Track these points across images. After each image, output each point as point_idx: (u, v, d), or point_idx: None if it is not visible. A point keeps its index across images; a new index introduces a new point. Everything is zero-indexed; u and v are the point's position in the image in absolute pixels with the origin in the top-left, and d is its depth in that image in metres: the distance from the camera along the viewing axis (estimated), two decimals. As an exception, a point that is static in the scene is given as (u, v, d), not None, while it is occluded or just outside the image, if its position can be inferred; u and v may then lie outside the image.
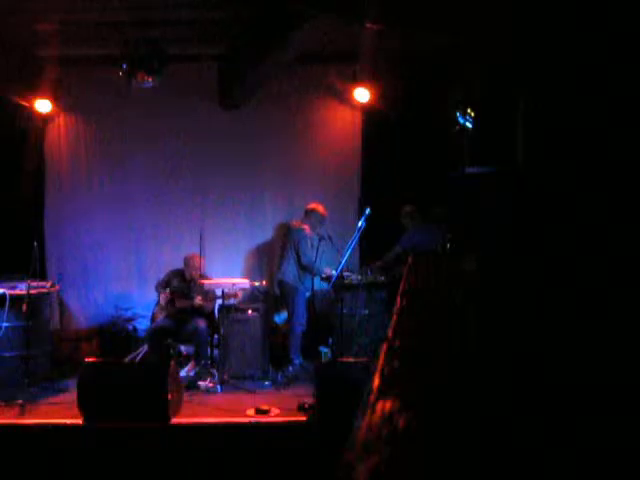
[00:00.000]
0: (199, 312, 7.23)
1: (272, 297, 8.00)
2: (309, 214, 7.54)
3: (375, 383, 0.99)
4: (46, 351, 7.02)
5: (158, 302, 7.37)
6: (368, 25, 5.39)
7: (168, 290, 7.25)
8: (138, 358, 7.34)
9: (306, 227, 7.46)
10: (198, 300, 7.13)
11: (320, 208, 7.53)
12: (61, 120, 8.19)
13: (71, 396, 5.71)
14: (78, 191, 8.21)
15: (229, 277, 7.46)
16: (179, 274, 7.41)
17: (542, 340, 1.34)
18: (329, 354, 7.07)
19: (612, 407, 0.95)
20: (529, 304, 1.64)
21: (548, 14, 3.45)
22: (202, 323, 7.08)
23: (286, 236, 7.69)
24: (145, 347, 7.32)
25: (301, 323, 7.43)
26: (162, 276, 7.47)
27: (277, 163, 8.26)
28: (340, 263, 6.84)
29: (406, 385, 1.03)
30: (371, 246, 7.67)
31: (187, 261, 7.37)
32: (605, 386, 1.05)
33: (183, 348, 7.34)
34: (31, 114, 7.90)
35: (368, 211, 6.77)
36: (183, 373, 6.77)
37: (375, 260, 7.54)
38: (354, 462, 0.76)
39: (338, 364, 6.11)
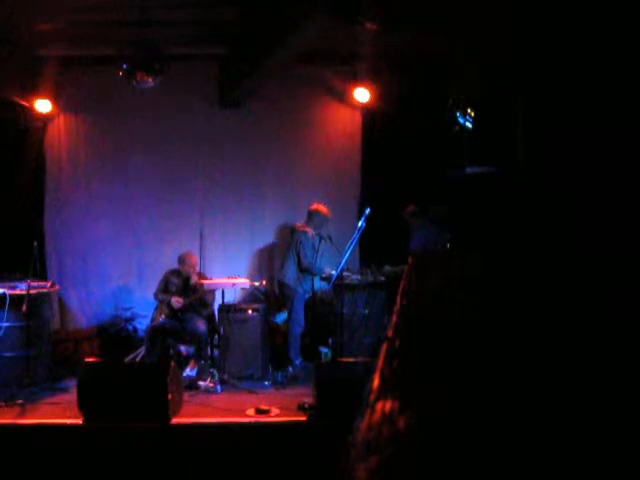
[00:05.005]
0: (199, 310, 7.21)
1: (272, 297, 7.99)
2: (312, 215, 7.52)
3: (375, 383, 0.99)
4: (46, 351, 7.02)
5: (158, 306, 7.33)
6: (368, 25, 5.39)
7: (175, 295, 7.21)
8: (138, 358, 7.33)
9: (309, 230, 7.45)
10: (195, 279, 7.09)
11: (323, 208, 7.52)
12: (61, 120, 8.18)
13: (71, 396, 5.72)
14: (78, 191, 8.20)
15: (229, 277, 7.45)
16: (176, 272, 7.39)
17: (544, 340, 1.35)
18: (329, 354, 7.07)
19: (612, 406, 0.96)
20: (530, 304, 1.64)
21: (548, 14, 3.45)
22: (202, 325, 7.06)
23: (290, 238, 7.69)
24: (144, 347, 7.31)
25: (300, 325, 7.43)
26: (159, 281, 7.40)
27: (277, 163, 8.27)
28: (340, 263, 6.84)
29: (406, 385, 1.03)
30: (371, 246, 7.66)
31: (183, 259, 7.33)
32: (607, 386, 1.05)
33: (183, 348, 7.32)
34: (31, 114, 7.90)
35: (368, 211, 6.76)
36: (192, 373, 6.73)
37: (382, 264, 7.44)
38: (354, 462, 0.76)
39: (338, 364, 6.12)
